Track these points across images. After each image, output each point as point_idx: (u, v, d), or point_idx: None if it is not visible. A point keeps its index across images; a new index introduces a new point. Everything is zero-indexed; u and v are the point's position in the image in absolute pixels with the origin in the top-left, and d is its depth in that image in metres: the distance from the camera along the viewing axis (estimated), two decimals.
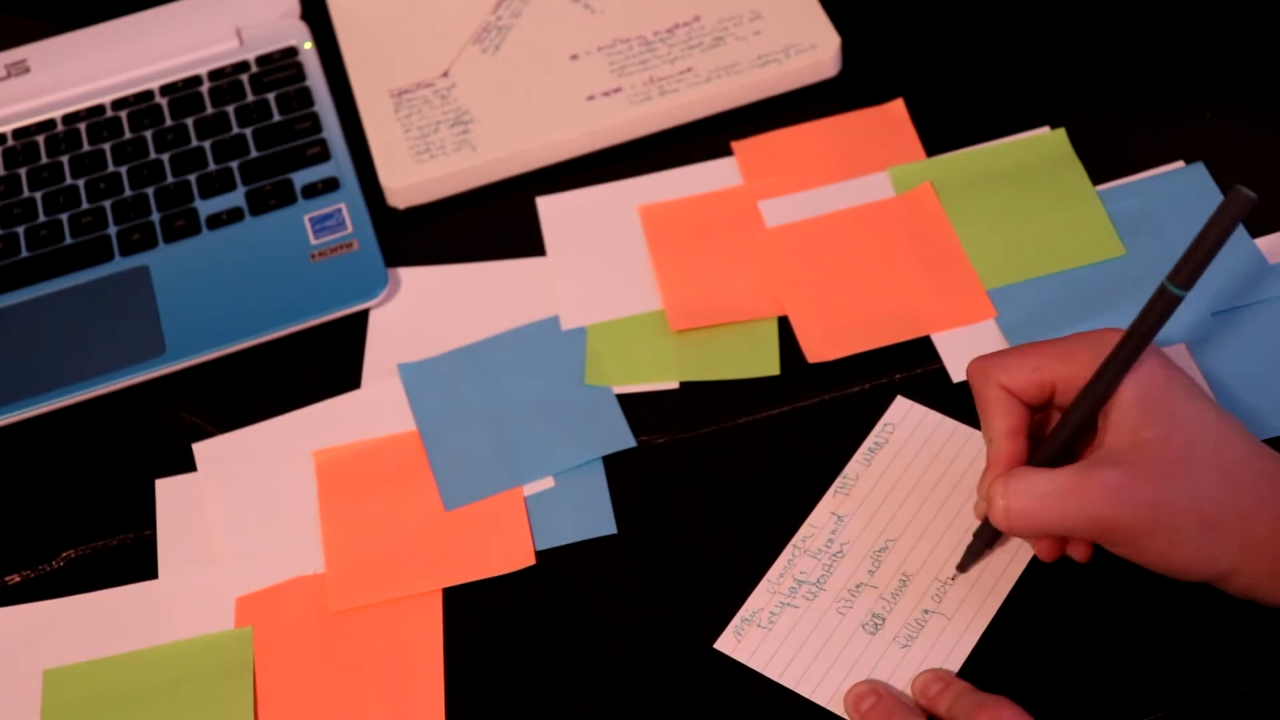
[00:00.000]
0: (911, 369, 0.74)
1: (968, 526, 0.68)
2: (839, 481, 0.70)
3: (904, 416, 0.72)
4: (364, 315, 0.80)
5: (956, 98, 0.84)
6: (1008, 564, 0.66)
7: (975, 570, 0.66)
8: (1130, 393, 0.61)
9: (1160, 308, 0.59)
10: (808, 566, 0.68)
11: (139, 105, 0.89)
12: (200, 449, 0.76)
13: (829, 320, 0.76)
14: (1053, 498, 0.60)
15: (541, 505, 0.72)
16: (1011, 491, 0.60)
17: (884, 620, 0.66)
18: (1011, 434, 0.63)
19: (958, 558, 0.67)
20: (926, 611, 0.66)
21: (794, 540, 0.69)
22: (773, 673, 0.65)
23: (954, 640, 0.65)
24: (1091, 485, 0.59)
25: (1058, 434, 0.63)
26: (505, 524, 0.71)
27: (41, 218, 0.85)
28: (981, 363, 0.64)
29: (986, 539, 0.66)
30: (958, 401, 0.72)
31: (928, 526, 0.68)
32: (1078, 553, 0.64)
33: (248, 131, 0.87)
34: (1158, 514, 0.59)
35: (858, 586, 0.67)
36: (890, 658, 0.65)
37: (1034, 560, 0.66)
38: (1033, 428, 0.65)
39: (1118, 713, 0.63)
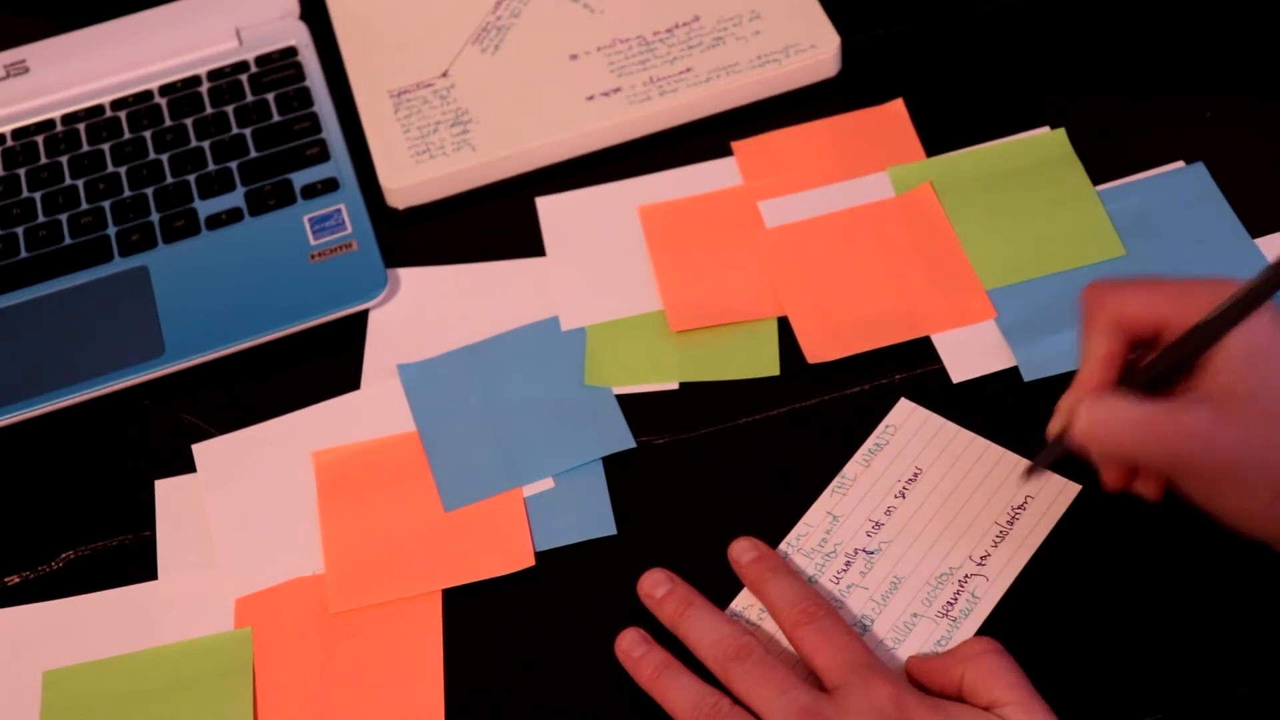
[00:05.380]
0: (911, 369, 0.74)
1: (964, 531, 0.68)
2: (836, 481, 0.70)
3: (906, 419, 0.72)
4: (363, 316, 0.80)
5: (956, 98, 0.84)
6: (1002, 568, 0.66)
7: (967, 575, 0.66)
8: (1238, 343, 0.60)
9: None
10: (800, 565, 0.68)
11: (138, 105, 0.89)
12: (200, 450, 0.76)
13: (829, 320, 0.76)
14: (1136, 424, 0.60)
15: (541, 506, 0.72)
16: (1099, 408, 0.60)
17: (873, 621, 0.66)
18: (1107, 360, 0.63)
19: (951, 561, 0.67)
20: (915, 615, 0.66)
21: (788, 539, 0.69)
22: None
23: (942, 644, 0.65)
24: (1177, 421, 0.59)
25: (1156, 365, 0.62)
26: (505, 525, 0.71)
27: (41, 218, 0.85)
28: (1100, 286, 0.64)
29: (1057, 453, 0.65)
30: (958, 402, 0.72)
31: (922, 531, 0.68)
32: (1149, 489, 0.65)
33: (247, 132, 0.87)
34: (1236, 463, 0.59)
35: (848, 588, 0.67)
36: None
37: (1030, 564, 0.66)
38: (1126, 364, 0.64)
39: (1118, 713, 0.63)
